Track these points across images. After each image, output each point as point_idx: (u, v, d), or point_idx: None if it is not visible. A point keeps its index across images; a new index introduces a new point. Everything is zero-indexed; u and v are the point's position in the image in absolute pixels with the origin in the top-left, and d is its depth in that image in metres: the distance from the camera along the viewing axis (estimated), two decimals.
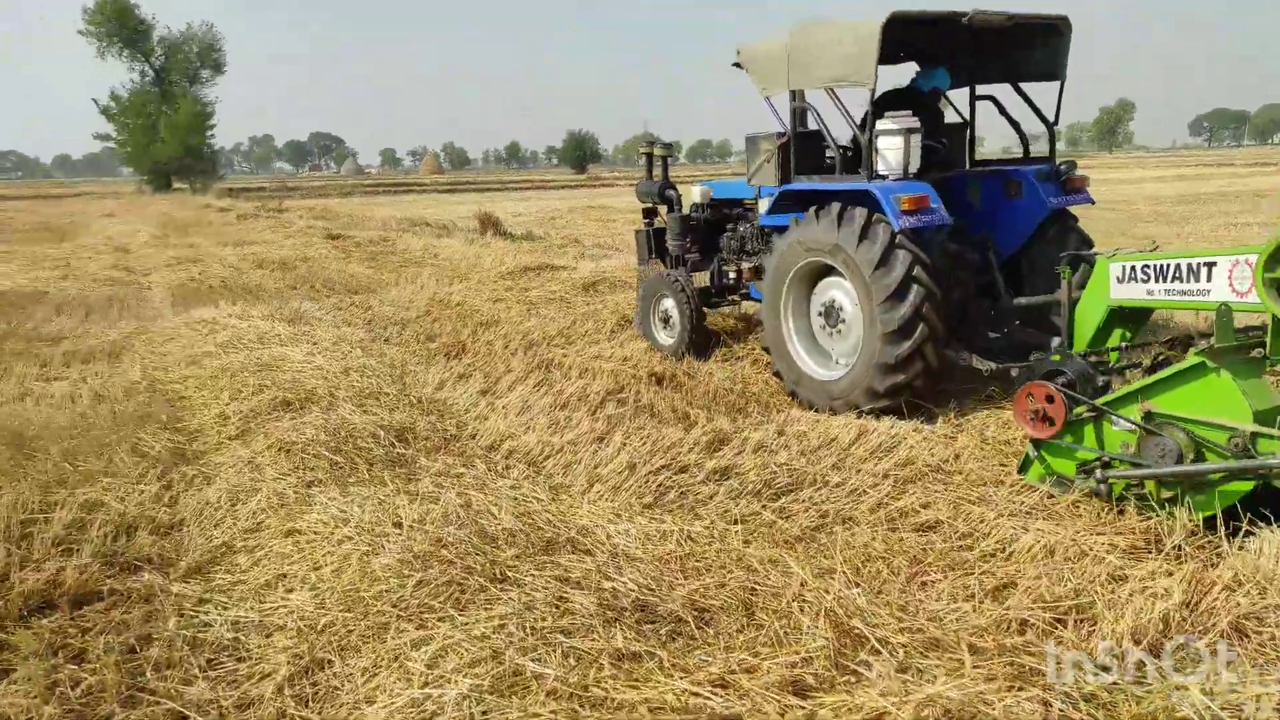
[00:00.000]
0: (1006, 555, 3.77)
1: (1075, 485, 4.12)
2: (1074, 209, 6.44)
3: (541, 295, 11.01)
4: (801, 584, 3.31)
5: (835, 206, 5.76)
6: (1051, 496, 4.29)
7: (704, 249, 8.14)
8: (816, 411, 6.05)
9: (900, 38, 5.60)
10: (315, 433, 5.23)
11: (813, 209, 5.98)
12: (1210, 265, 3.83)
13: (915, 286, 5.44)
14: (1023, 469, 4.48)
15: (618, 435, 5.36)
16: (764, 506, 4.34)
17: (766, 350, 6.65)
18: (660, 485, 4.61)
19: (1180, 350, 4.58)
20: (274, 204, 33.15)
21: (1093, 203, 6.59)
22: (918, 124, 5.86)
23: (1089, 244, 6.28)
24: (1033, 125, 6.91)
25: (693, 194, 8.16)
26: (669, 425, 5.68)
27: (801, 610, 3.06)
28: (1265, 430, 3.46)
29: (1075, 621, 3.13)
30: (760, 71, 6.55)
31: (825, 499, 4.43)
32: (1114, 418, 3.95)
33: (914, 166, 5.83)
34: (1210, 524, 3.75)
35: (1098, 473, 4.01)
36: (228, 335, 8.39)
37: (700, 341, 7.69)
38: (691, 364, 7.43)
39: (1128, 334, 4.54)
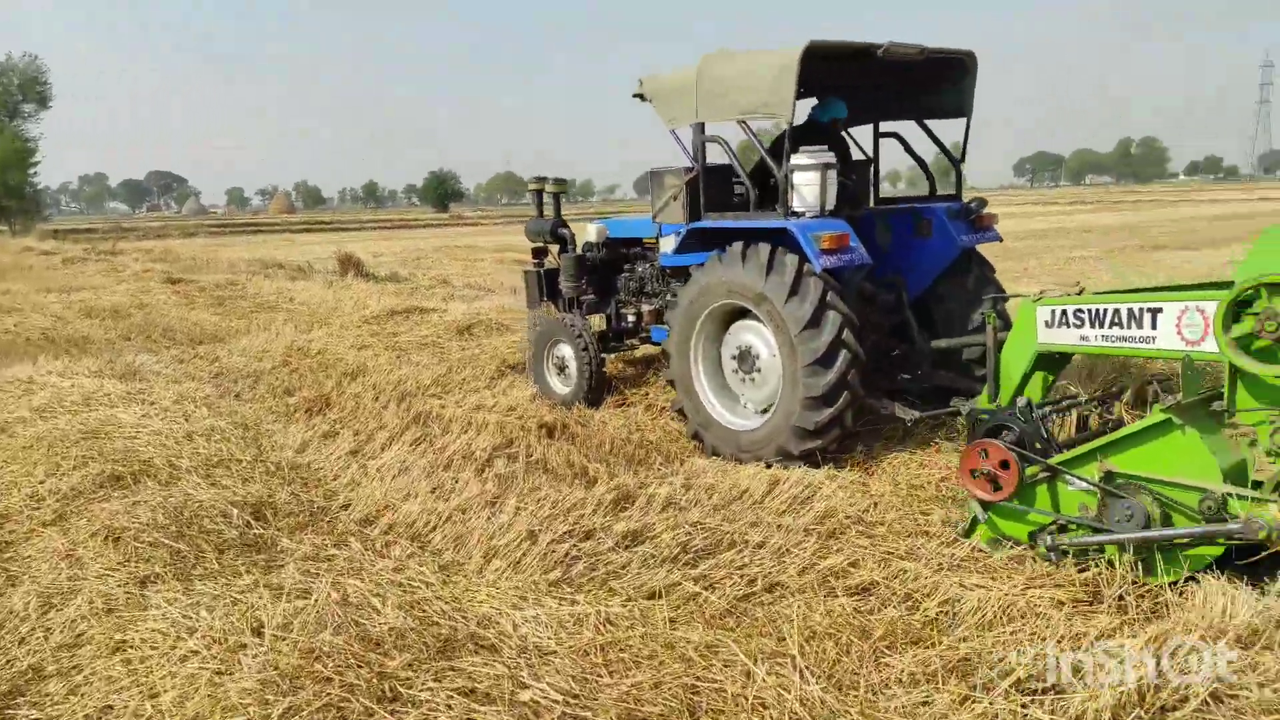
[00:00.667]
0: (953, 619, 3.46)
1: (1037, 550, 3.86)
2: (984, 249, 6.32)
3: (412, 340, 10.29)
4: (748, 675, 2.87)
5: (764, 249, 5.39)
6: (982, 550, 4.04)
7: (600, 290, 7.71)
8: (720, 458, 5.71)
9: (814, 70, 5.34)
10: (151, 514, 4.43)
11: (737, 247, 5.58)
12: (1156, 311, 3.61)
13: (831, 313, 5.17)
14: (968, 533, 4.17)
15: (511, 498, 4.82)
16: (684, 576, 3.88)
17: (671, 384, 6.23)
18: (566, 555, 4.08)
19: (1112, 401, 4.49)
20: (106, 246, 30.46)
21: (1000, 240, 6.47)
22: (834, 159, 5.63)
23: (997, 284, 6.21)
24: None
25: (588, 233, 7.71)
26: (567, 483, 5.18)
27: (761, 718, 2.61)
28: (1237, 490, 3.29)
29: (1051, 701, 2.81)
30: (666, 103, 6.20)
31: (748, 562, 4.02)
32: (1070, 479, 3.73)
33: (830, 203, 5.58)
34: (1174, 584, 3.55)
35: (1049, 539, 3.77)
36: (46, 397, 7.29)
37: (598, 390, 7.24)
38: (582, 412, 6.96)
39: (1049, 379, 4.36)
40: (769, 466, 5.33)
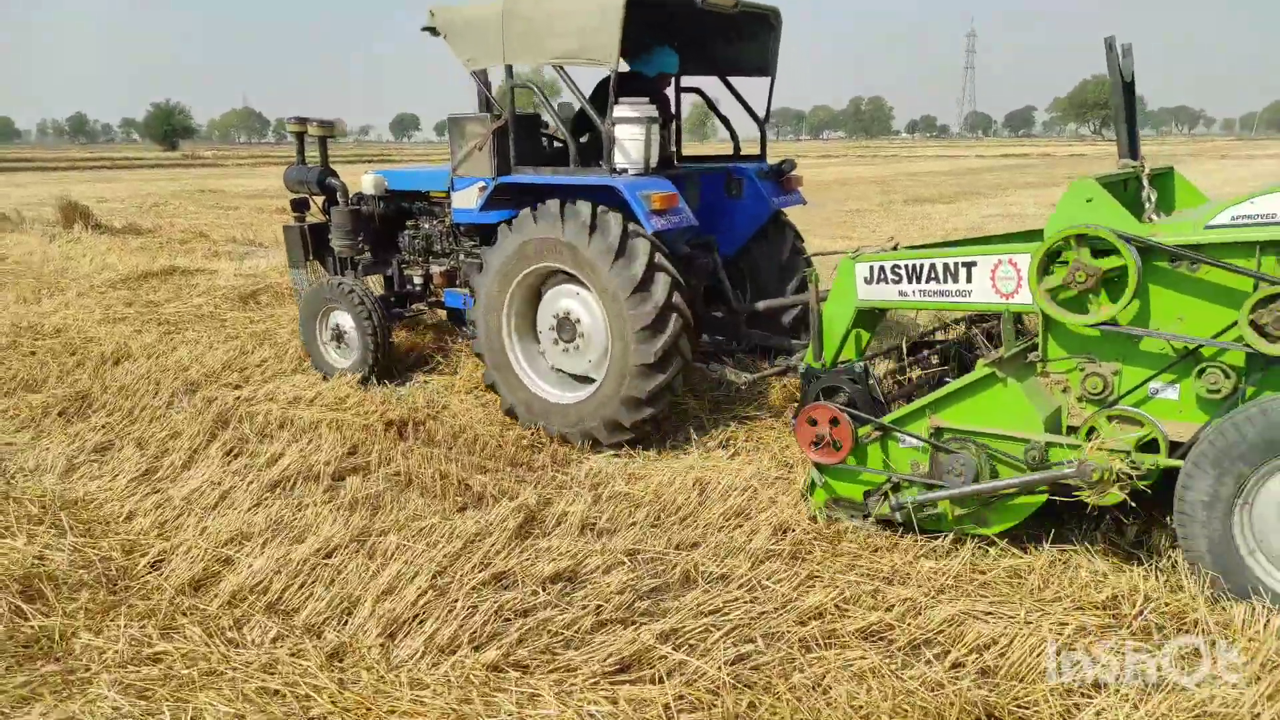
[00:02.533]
0: (997, 664, 2.93)
1: (870, 512, 3.89)
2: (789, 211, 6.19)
3: (182, 312, 8.54)
4: None
5: (584, 207, 4.91)
6: (977, 570, 3.58)
7: (377, 249, 6.84)
8: (566, 442, 5.18)
9: (637, 14, 4.80)
10: None
11: (553, 205, 5.03)
12: (970, 265, 3.63)
13: (660, 275, 4.82)
14: (809, 494, 4.14)
15: (390, 535, 3.78)
16: (651, 634, 3.08)
17: (480, 356, 5.61)
18: (492, 617, 3.15)
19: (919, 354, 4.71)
20: None
21: (804, 203, 6.30)
22: (656, 113, 5.19)
23: (801, 243, 6.21)
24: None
25: (363, 184, 6.75)
26: (448, 503, 4.19)
27: None
28: (1057, 439, 3.42)
29: None
30: (465, 40, 5.44)
31: (720, 605, 3.29)
32: (901, 436, 3.76)
33: (654, 160, 5.20)
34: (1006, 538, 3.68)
35: (891, 498, 3.79)
36: None
37: (385, 362, 6.32)
38: (431, 399, 5.88)
39: (865, 336, 4.30)
40: (595, 445, 5.06)
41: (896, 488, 3.82)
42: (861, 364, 3.99)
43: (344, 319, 6.35)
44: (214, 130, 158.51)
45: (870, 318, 4.26)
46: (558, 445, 5.10)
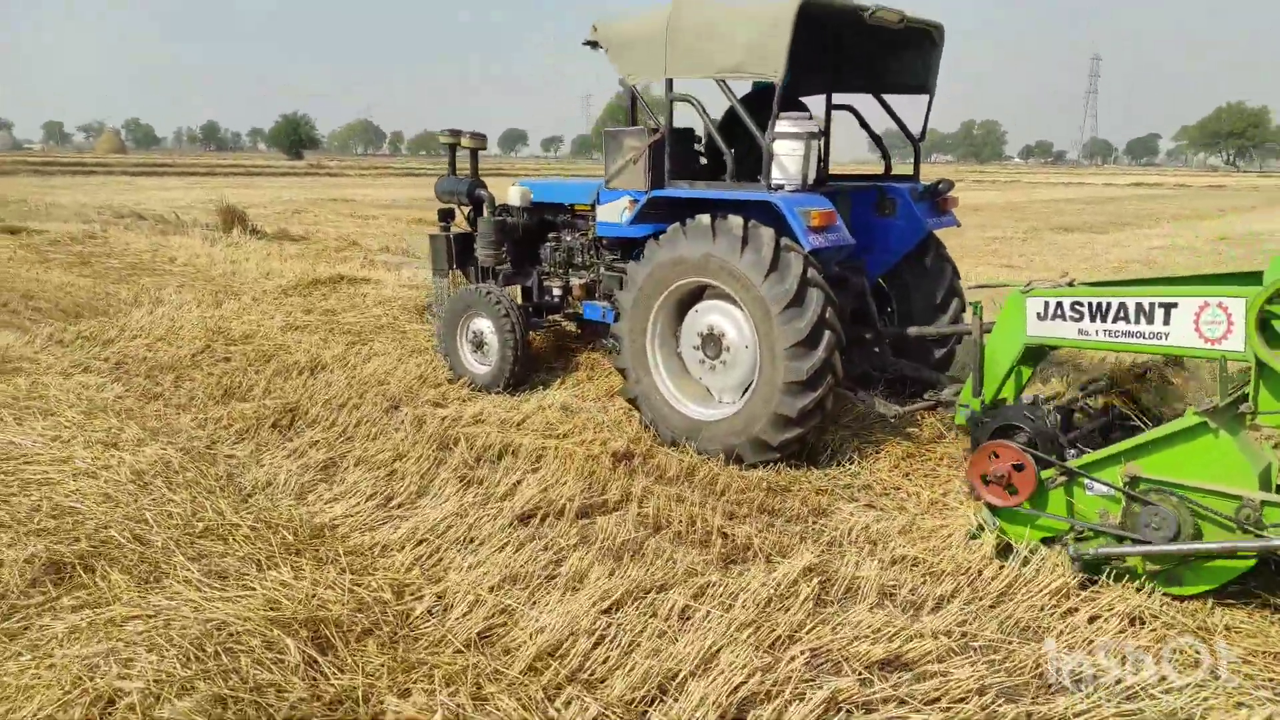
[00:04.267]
0: None
1: (1058, 555, 3.60)
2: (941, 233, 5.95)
3: (361, 322, 8.44)
4: None
5: (736, 222, 4.83)
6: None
7: (518, 260, 6.89)
8: (675, 447, 5.14)
9: (805, 28, 4.73)
10: (155, 664, 2.72)
11: (704, 220, 4.96)
12: (1170, 306, 3.45)
13: (814, 291, 4.69)
14: (974, 537, 3.90)
15: (670, 592, 3.39)
16: None
17: (622, 372, 5.51)
18: (828, 709, 2.70)
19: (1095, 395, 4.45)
20: None
21: (958, 225, 6.07)
22: (818, 128, 5.15)
23: (956, 270, 6.02)
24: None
25: (510, 195, 6.83)
26: (710, 553, 3.79)
27: None
28: (1275, 498, 3.14)
29: None
30: (627, 54, 5.45)
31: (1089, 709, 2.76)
32: (1089, 482, 3.54)
33: (812, 176, 5.10)
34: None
35: (1071, 545, 3.54)
36: None
37: (524, 370, 6.37)
38: (638, 429, 5.49)
39: (1024, 373, 4.11)
40: (739, 463, 4.89)
41: (1082, 537, 3.59)
42: (1033, 398, 3.87)
43: (485, 324, 6.38)
44: (333, 141, 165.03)
45: (1035, 356, 4.09)
46: (809, 491, 4.63)
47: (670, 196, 5.28)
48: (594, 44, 5.67)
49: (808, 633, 3.16)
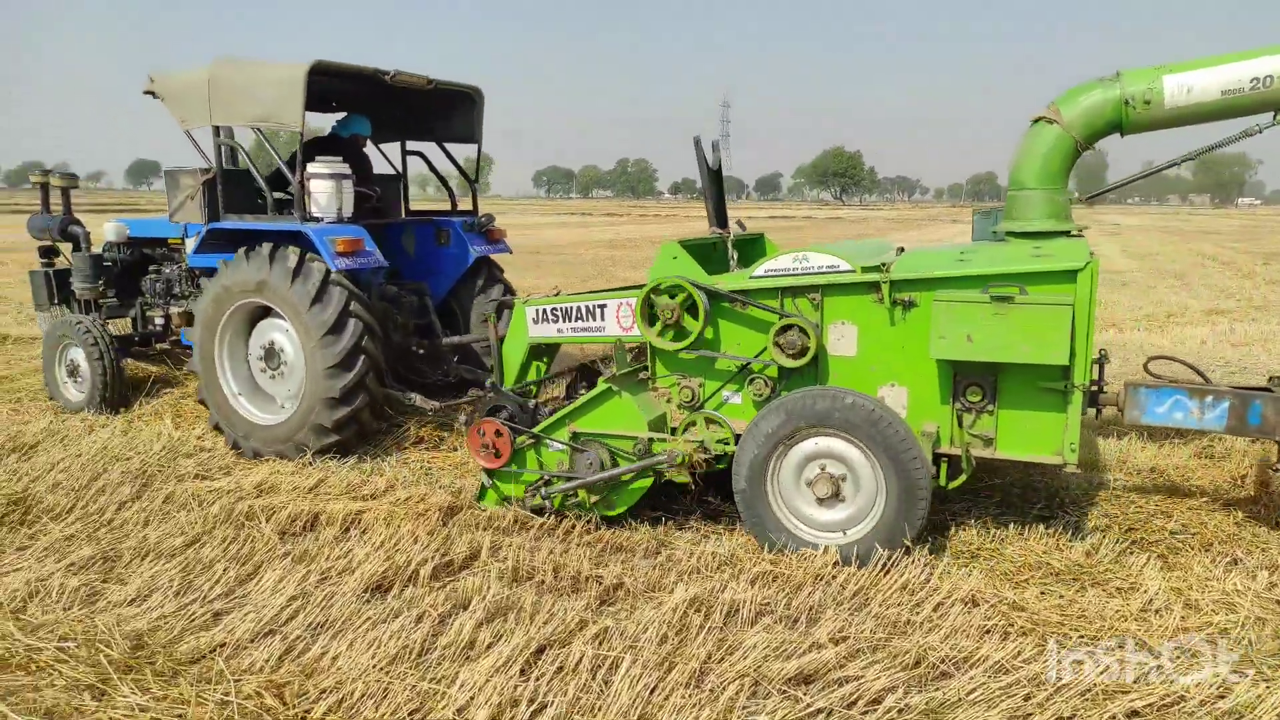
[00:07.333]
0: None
1: (524, 503, 4.66)
2: (496, 256, 7.11)
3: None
4: None
5: (266, 246, 5.63)
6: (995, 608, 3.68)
7: (121, 292, 7.45)
8: (258, 458, 5.76)
9: (326, 86, 5.83)
10: None
11: (241, 250, 5.77)
12: (601, 307, 4.73)
13: (352, 320, 5.54)
14: (480, 497, 4.86)
15: (574, 645, 3.31)
16: None
17: (203, 403, 6.17)
18: None
19: (585, 376, 5.51)
20: None
21: (509, 252, 7.22)
22: (348, 170, 6.00)
23: (509, 288, 7.15)
24: None
25: (106, 232, 7.40)
26: (588, 597, 3.76)
27: None
28: (656, 435, 4.43)
29: None
30: (179, 103, 6.10)
31: (997, 694, 3.15)
32: (549, 441, 4.62)
33: (347, 211, 5.96)
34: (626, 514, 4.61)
35: (541, 490, 4.60)
36: None
37: (116, 393, 6.83)
38: (452, 480, 5.27)
39: (542, 366, 5.27)
40: (287, 459, 5.62)
41: (548, 483, 4.61)
42: (522, 386, 4.96)
43: (78, 354, 6.82)
44: None
45: (545, 351, 5.21)
46: (648, 525, 4.73)
47: (225, 229, 5.96)
48: (153, 94, 6.17)
49: (719, 662, 3.26)
